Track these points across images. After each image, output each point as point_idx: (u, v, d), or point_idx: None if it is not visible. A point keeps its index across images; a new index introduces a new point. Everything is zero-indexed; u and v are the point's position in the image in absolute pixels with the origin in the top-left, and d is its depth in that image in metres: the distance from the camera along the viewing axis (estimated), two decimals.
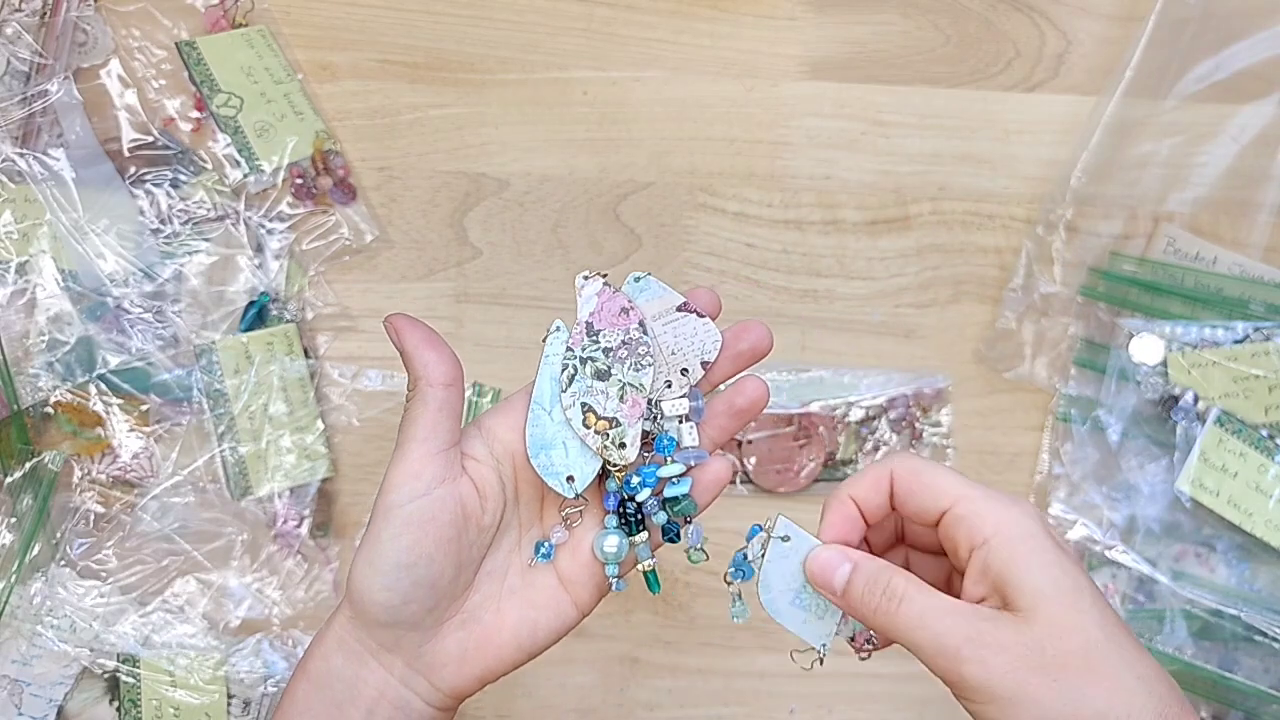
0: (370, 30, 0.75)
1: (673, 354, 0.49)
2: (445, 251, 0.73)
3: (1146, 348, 0.68)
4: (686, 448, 0.48)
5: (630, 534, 0.48)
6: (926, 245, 0.73)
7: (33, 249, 0.69)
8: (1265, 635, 0.65)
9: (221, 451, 0.68)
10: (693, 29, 0.76)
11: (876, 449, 0.71)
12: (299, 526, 0.69)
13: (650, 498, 0.48)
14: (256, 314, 0.70)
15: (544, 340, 0.49)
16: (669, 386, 0.49)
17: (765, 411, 0.70)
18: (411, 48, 0.75)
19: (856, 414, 0.71)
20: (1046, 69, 0.75)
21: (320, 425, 0.70)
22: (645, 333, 0.48)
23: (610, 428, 0.48)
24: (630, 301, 0.49)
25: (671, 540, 0.48)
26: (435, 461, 0.46)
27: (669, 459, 0.48)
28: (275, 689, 0.67)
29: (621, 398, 0.48)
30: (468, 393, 0.71)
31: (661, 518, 0.48)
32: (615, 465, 0.47)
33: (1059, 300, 0.71)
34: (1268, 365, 0.67)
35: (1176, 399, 0.67)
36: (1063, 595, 0.42)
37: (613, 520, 0.48)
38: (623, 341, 0.48)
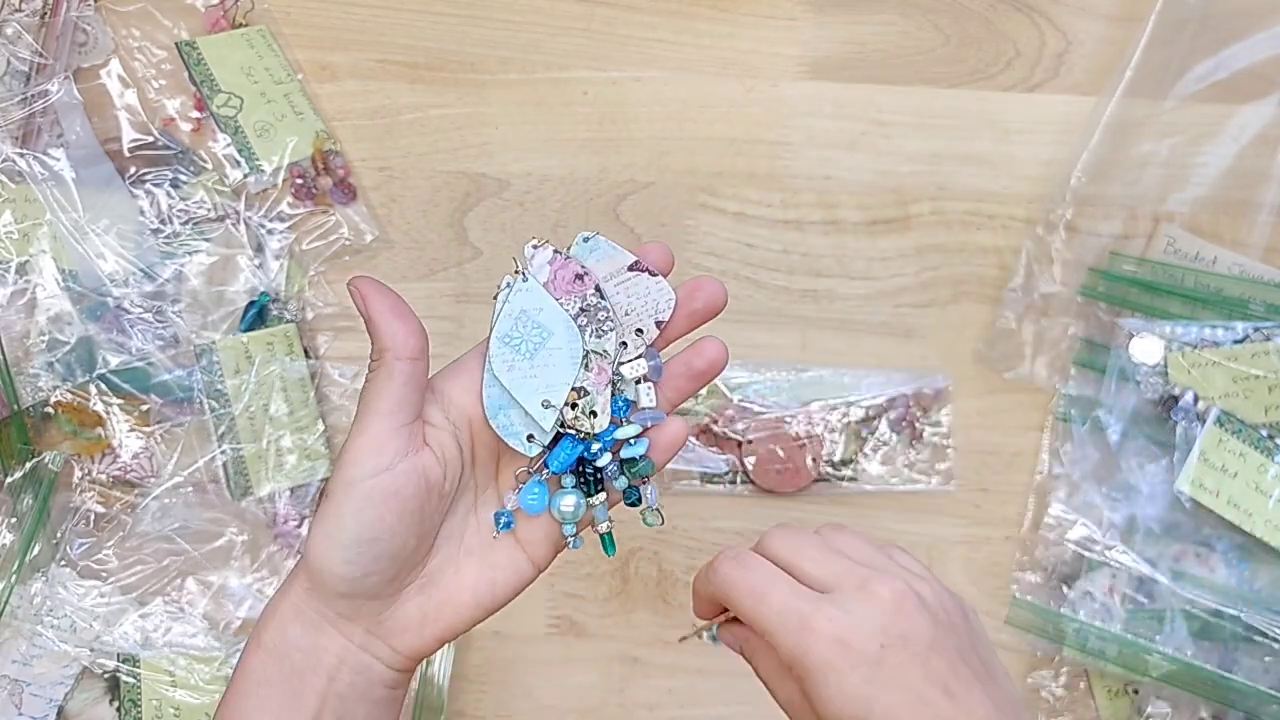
0: (370, 30, 0.75)
1: (626, 315, 0.48)
2: (445, 251, 0.73)
3: (1146, 348, 0.68)
4: (644, 409, 0.47)
5: (588, 495, 0.47)
6: (926, 245, 0.73)
7: (33, 249, 0.69)
8: (1265, 635, 0.65)
9: (222, 451, 0.68)
10: (693, 29, 0.76)
11: (876, 449, 0.71)
12: (299, 526, 0.69)
13: (610, 462, 0.47)
14: (257, 314, 0.70)
15: (495, 299, 0.48)
16: (624, 347, 0.48)
17: (766, 412, 0.70)
18: (411, 48, 0.75)
19: (856, 414, 0.71)
20: (1046, 69, 0.75)
21: (320, 425, 0.70)
22: (602, 297, 0.47)
23: (578, 398, 0.47)
24: (583, 266, 0.47)
25: (632, 504, 0.48)
26: (399, 436, 0.45)
27: (626, 420, 0.47)
28: None
29: (586, 366, 0.47)
30: None
31: (622, 483, 0.47)
32: (587, 433, 0.46)
33: (1059, 300, 0.71)
34: (1267, 365, 0.67)
35: (1176, 399, 0.67)
36: None
37: (569, 480, 0.47)
38: (581, 309, 0.47)
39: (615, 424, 0.47)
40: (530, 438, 0.46)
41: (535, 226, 0.73)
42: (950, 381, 0.72)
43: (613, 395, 0.47)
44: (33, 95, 0.72)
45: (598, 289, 0.47)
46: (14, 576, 0.67)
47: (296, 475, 0.69)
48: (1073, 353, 0.71)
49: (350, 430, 0.45)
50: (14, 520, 0.67)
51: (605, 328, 0.47)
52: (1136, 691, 0.67)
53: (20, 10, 0.73)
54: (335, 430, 0.70)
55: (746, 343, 0.72)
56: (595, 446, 0.46)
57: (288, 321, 0.71)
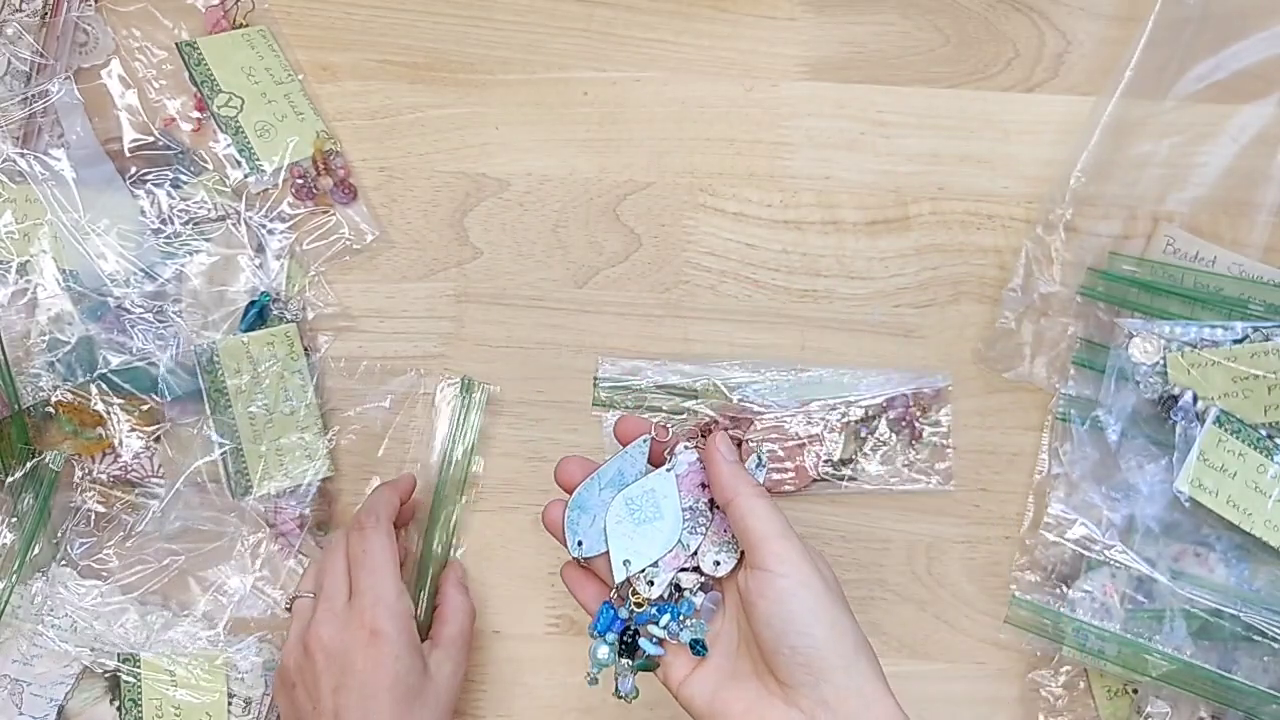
0: (371, 31, 0.75)
1: (726, 542, 0.56)
2: (445, 251, 0.73)
3: (1146, 347, 0.68)
4: (689, 621, 0.56)
5: (622, 656, 0.55)
6: (926, 245, 0.73)
7: (34, 249, 0.70)
8: (1264, 635, 0.65)
9: (222, 451, 0.69)
10: (693, 29, 0.76)
11: (876, 449, 0.71)
12: (299, 526, 0.69)
13: (654, 637, 0.55)
14: (257, 314, 0.70)
15: (636, 440, 0.58)
16: (695, 571, 0.56)
17: (765, 412, 0.70)
18: (412, 48, 0.75)
19: (856, 414, 0.71)
20: (1046, 69, 0.75)
21: (320, 425, 0.70)
22: (711, 513, 0.56)
23: (649, 564, 0.56)
24: None
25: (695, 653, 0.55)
26: None
27: (679, 621, 0.55)
28: None
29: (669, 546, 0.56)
30: (451, 389, 0.71)
31: (687, 636, 0.55)
32: (635, 596, 0.55)
33: (1058, 300, 0.71)
34: (1267, 365, 0.67)
35: (1176, 399, 0.67)
36: None
37: (612, 637, 0.55)
38: (690, 506, 0.57)
39: (669, 602, 0.56)
40: (580, 544, 0.56)
41: (535, 226, 0.73)
42: (950, 381, 0.72)
43: (682, 600, 0.56)
44: (33, 95, 0.72)
45: (711, 503, 0.57)
46: (14, 576, 0.67)
47: (296, 475, 0.69)
48: (1072, 353, 0.71)
49: None
50: (14, 520, 0.68)
51: (698, 531, 0.56)
52: (1136, 691, 0.67)
53: (21, 10, 0.73)
54: (335, 430, 0.71)
55: (746, 343, 0.72)
56: (626, 615, 0.56)
57: (288, 321, 0.71)
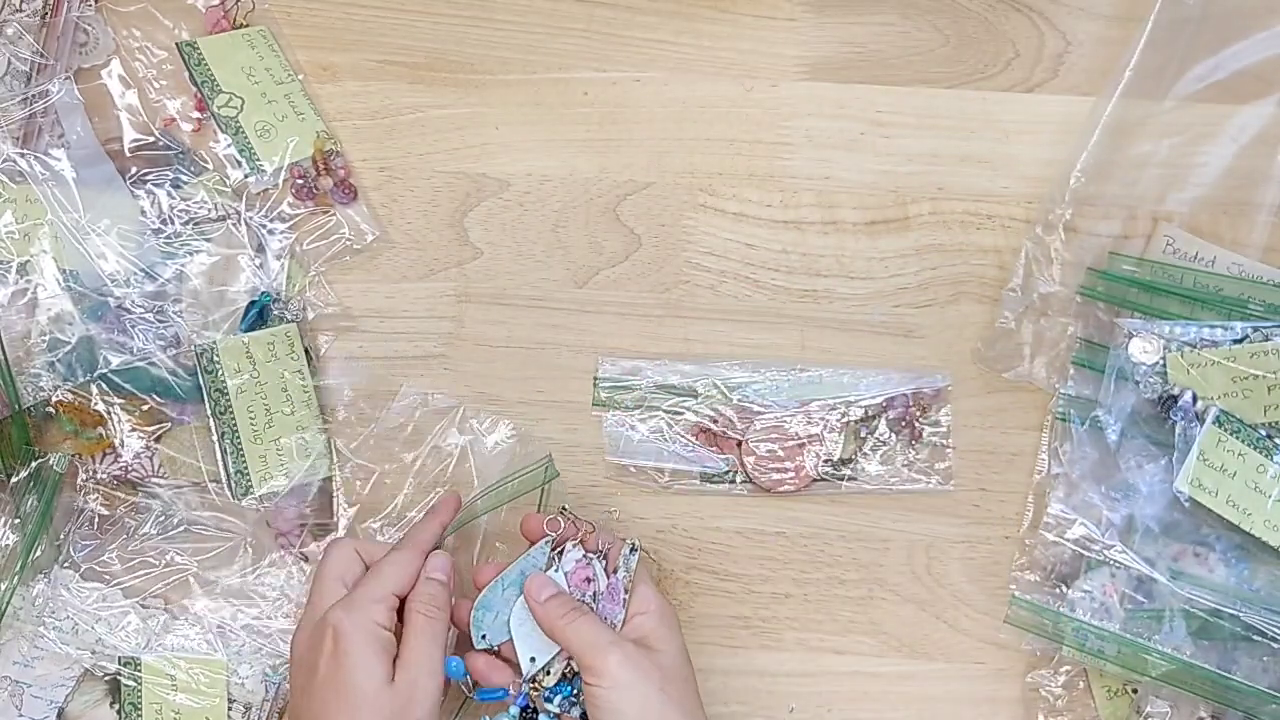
0: (371, 31, 0.75)
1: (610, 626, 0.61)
2: (446, 251, 0.73)
3: (1145, 347, 0.68)
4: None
5: None
6: (926, 245, 0.73)
7: (34, 249, 0.70)
8: (1264, 635, 0.65)
9: (223, 451, 0.69)
10: (693, 30, 0.76)
11: (876, 449, 0.71)
12: (299, 526, 0.69)
13: (550, 712, 0.61)
14: (258, 314, 0.70)
15: (539, 543, 0.63)
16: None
17: (765, 412, 0.70)
18: (412, 48, 0.75)
19: (855, 414, 0.71)
20: (1046, 69, 0.76)
21: (320, 425, 0.70)
22: (595, 604, 0.61)
23: (550, 658, 0.61)
24: (595, 574, 0.62)
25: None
26: None
27: (569, 701, 0.61)
28: (276, 692, 0.68)
29: None
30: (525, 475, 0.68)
31: (577, 712, 0.61)
32: (533, 684, 0.61)
33: (1058, 300, 0.71)
34: (1266, 365, 0.67)
35: (1175, 399, 0.68)
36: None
37: (515, 710, 0.61)
38: (580, 601, 0.62)
39: (563, 682, 0.62)
40: (484, 637, 0.62)
41: (536, 226, 0.73)
42: (949, 381, 0.72)
43: (570, 677, 0.61)
44: (33, 95, 0.72)
45: (594, 596, 0.62)
46: (16, 578, 0.67)
47: (297, 475, 0.69)
48: (1072, 353, 0.71)
49: None
50: (17, 521, 0.68)
51: None
52: (1135, 691, 0.67)
53: (21, 10, 0.73)
54: (335, 430, 0.71)
55: (746, 343, 0.72)
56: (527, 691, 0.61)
57: (289, 321, 0.71)
